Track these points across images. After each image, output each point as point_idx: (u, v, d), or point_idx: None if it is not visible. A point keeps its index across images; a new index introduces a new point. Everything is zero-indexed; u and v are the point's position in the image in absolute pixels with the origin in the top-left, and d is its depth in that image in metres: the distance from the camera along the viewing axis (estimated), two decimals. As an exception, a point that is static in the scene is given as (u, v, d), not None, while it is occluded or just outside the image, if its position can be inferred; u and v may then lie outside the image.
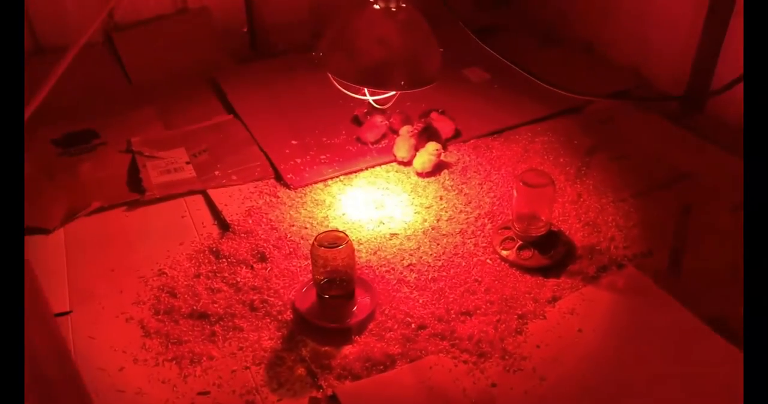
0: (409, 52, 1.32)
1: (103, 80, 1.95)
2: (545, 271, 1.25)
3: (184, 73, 2.02)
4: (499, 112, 1.88)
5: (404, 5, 1.40)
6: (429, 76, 1.37)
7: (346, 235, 1.14)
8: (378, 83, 1.35)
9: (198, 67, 2.04)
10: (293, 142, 1.78)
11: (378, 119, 1.76)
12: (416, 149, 1.70)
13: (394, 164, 1.71)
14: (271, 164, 1.70)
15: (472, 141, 1.80)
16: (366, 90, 1.44)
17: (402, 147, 1.70)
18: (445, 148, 1.73)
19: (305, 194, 1.50)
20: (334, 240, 1.14)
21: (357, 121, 1.82)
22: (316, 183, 1.53)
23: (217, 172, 1.68)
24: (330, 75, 1.37)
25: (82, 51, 1.06)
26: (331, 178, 1.55)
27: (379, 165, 1.70)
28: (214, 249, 1.33)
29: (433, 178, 1.55)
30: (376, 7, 1.39)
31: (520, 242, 1.28)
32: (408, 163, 1.70)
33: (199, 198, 1.52)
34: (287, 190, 1.50)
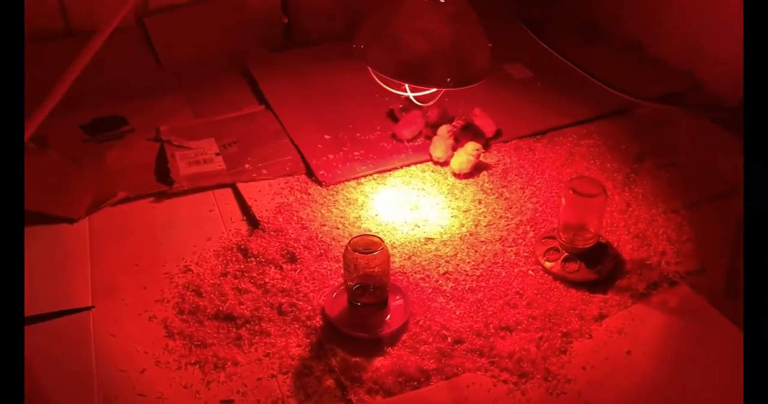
0: (457, 47, 1.30)
1: (134, 65, 1.92)
2: (592, 286, 1.20)
3: (215, 60, 1.98)
4: (543, 112, 1.81)
5: (453, -4, 1.37)
6: (477, 73, 1.34)
7: (382, 241, 1.11)
8: (421, 79, 1.32)
9: (230, 54, 2.00)
10: (326, 136, 1.74)
11: (415, 115, 1.71)
12: (454, 149, 1.65)
13: (430, 164, 1.66)
14: (303, 159, 1.66)
15: (513, 141, 1.74)
16: (407, 85, 1.42)
17: (439, 146, 1.64)
18: (485, 148, 1.68)
19: (337, 192, 1.47)
20: (370, 245, 1.10)
21: (393, 117, 1.77)
22: (348, 180, 1.53)
23: (247, 165, 1.64)
24: (370, 68, 1.43)
25: (113, 35, 1.01)
26: (365, 176, 1.60)
27: (415, 164, 1.66)
28: (242, 246, 1.30)
29: (471, 180, 1.58)
30: (423, -4, 1.39)
31: (566, 254, 1.24)
32: (445, 164, 1.65)
33: (228, 192, 1.56)
34: (319, 187, 1.47)
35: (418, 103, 1.57)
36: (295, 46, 2.11)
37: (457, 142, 1.66)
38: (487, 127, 1.72)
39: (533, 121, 1.79)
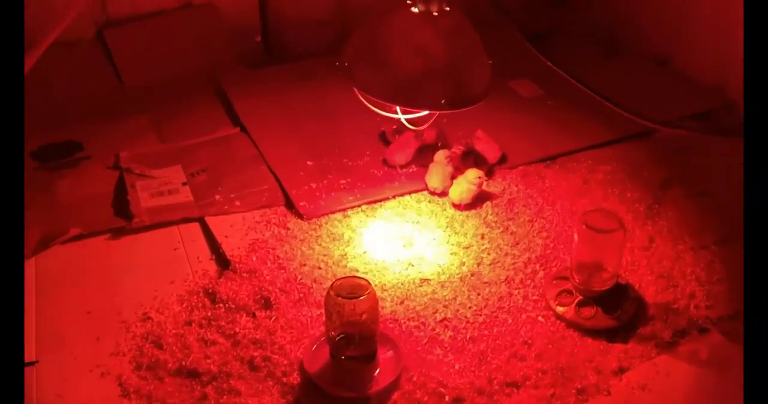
0: (453, 65, 1.33)
1: (91, 83, 1.93)
2: (610, 334, 1.20)
3: (184, 78, 2.01)
4: (554, 134, 1.84)
5: (448, 9, 1.39)
6: (475, 93, 1.37)
7: (369, 284, 1.11)
8: (414, 101, 1.35)
9: (201, 71, 2.03)
10: (308, 162, 1.76)
11: (408, 138, 1.74)
12: (454, 177, 1.67)
13: (426, 193, 1.68)
14: (282, 189, 1.68)
15: (520, 168, 1.76)
16: (398, 108, 1.45)
17: (436, 174, 1.66)
18: (488, 175, 1.71)
19: (320, 226, 1.49)
20: (356, 288, 1.10)
21: (384, 140, 1.80)
22: (333, 213, 1.51)
23: (217, 196, 1.66)
24: (356, 89, 1.46)
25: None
26: (352, 208, 1.54)
27: (409, 193, 1.65)
28: (210, 290, 1.31)
29: (473, 212, 1.54)
30: (415, 10, 1.40)
31: (580, 297, 1.25)
32: (443, 194, 1.67)
33: (196, 227, 1.51)
34: (299, 221, 1.49)
35: (410, 127, 1.52)
36: (275, 61, 2.14)
37: (457, 170, 1.68)
38: (491, 152, 1.74)
39: (543, 145, 1.81)
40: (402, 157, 1.73)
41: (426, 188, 1.67)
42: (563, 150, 1.78)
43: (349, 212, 1.62)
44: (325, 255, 1.42)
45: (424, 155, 1.74)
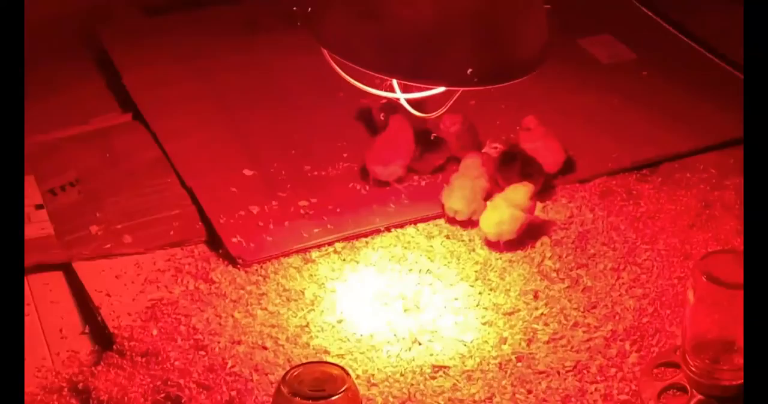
0: (486, 13, 1.36)
1: None
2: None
3: (44, 30, 2.01)
4: (653, 126, 1.84)
5: None
6: (522, 59, 1.41)
7: (347, 374, 1.15)
8: (422, 71, 1.38)
9: (73, 19, 2.05)
10: (246, 171, 1.76)
11: (404, 132, 1.73)
12: (488, 197, 1.66)
13: (443, 221, 1.67)
14: (202, 215, 1.67)
15: (598, 180, 1.76)
16: (395, 82, 1.47)
17: (459, 191, 1.66)
18: (545, 193, 1.71)
19: (266, 278, 1.52)
20: (323, 382, 1.14)
21: (370, 125, 1.81)
22: (288, 255, 1.58)
23: (94, 228, 1.66)
24: (325, 52, 1.46)
25: None
26: (319, 247, 1.60)
27: (414, 222, 1.67)
28: (80, 385, 1.33)
29: (520, 253, 1.56)
30: None
31: (700, 397, 1.26)
32: (470, 223, 1.66)
33: (58, 278, 1.58)
34: (230, 269, 1.53)
35: (416, 113, 1.55)
36: (191, 3, 2.15)
37: (497, 185, 1.68)
38: (549, 155, 1.74)
39: (635, 143, 1.80)
40: (393, 167, 1.73)
41: (443, 213, 1.66)
42: (669, 152, 1.77)
43: (315, 253, 1.60)
44: (273, 325, 1.43)
45: (435, 159, 1.76)
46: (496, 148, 1.68)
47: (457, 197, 1.63)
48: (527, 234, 1.61)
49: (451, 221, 1.63)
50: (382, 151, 1.70)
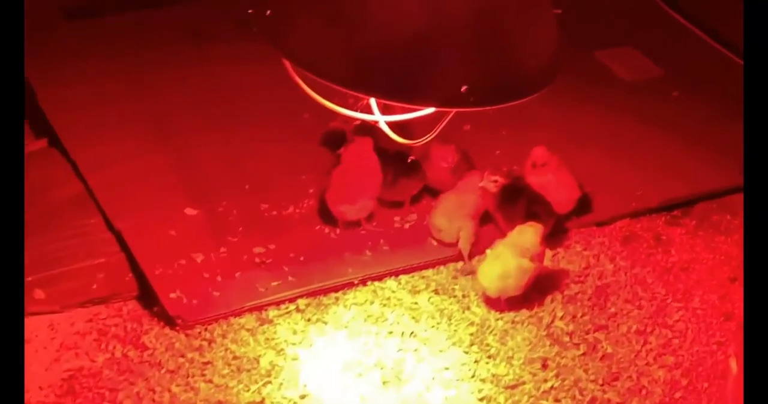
0: (485, 21, 1.30)
1: None
2: None
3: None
4: (684, 158, 1.74)
5: None
6: (529, 74, 1.36)
7: None
8: (406, 89, 1.30)
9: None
10: (188, 210, 1.63)
11: (367, 152, 1.61)
12: (477, 211, 1.58)
13: (429, 273, 1.55)
14: (133, 265, 1.54)
15: (619, 223, 1.65)
16: (372, 101, 1.43)
17: (442, 206, 1.58)
18: (555, 237, 1.61)
19: (212, 342, 1.44)
20: None
21: (335, 149, 1.67)
22: (239, 314, 1.48)
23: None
24: (288, 64, 1.37)
25: None
26: (277, 304, 1.50)
27: (393, 274, 1.55)
28: None
29: (525, 311, 1.51)
30: None
31: None
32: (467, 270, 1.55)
33: None
34: (168, 331, 1.46)
35: (398, 139, 1.48)
36: (123, 5, 2.04)
37: (497, 227, 1.59)
38: (561, 191, 1.64)
39: (664, 178, 1.72)
40: (362, 200, 1.62)
41: (431, 262, 1.56)
42: (705, 189, 1.68)
43: (273, 312, 1.49)
44: (220, 402, 1.36)
45: (412, 187, 1.67)
46: (495, 181, 1.59)
47: (439, 212, 1.60)
48: (534, 289, 1.53)
49: (437, 240, 1.59)
50: (344, 185, 1.62)
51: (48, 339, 1.44)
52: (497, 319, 1.48)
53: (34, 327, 1.46)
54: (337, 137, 1.68)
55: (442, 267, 1.56)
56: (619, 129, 1.77)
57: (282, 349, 1.43)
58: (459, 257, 1.56)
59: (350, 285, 1.53)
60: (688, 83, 1.83)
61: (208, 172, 1.68)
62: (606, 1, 1.93)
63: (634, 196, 1.65)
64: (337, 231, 1.60)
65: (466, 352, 1.44)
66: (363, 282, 1.53)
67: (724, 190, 1.67)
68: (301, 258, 1.55)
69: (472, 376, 1.41)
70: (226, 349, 1.42)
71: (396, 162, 1.62)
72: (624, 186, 1.67)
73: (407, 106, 1.37)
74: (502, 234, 1.53)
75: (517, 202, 1.57)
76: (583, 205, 1.63)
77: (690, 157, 1.72)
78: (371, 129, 1.59)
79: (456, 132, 1.62)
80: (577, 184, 1.62)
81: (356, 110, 1.45)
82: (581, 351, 1.44)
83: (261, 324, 1.46)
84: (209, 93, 1.82)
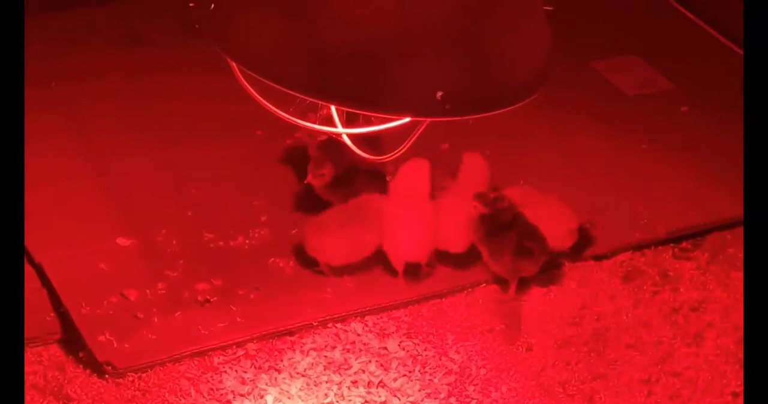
0: (465, 16, 1.24)
1: None
2: None
3: None
4: (695, 182, 1.72)
5: None
6: (516, 79, 1.31)
7: None
8: (372, 95, 1.23)
9: None
10: (120, 240, 1.60)
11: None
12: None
13: (400, 313, 1.48)
14: (55, 302, 1.49)
15: (620, 257, 1.59)
16: (333, 109, 1.40)
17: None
18: (549, 274, 1.55)
19: (147, 392, 1.40)
20: None
21: (300, 170, 1.62)
22: (178, 361, 1.43)
23: None
24: (235, 67, 1.34)
25: None
26: (224, 349, 1.45)
27: (357, 314, 1.49)
28: None
29: (510, 356, 1.46)
30: None
31: None
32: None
33: None
34: (95, 380, 1.40)
35: (362, 154, 1.44)
36: (58, 4, 2.01)
37: (482, 263, 1.53)
38: (556, 223, 1.59)
39: (671, 206, 1.70)
40: (337, 240, 1.54)
41: (402, 297, 1.49)
42: (718, 218, 1.63)
43: (218, 358, 1.44)
44: None
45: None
46: (482, 199, 1.52)
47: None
48: (522, 331, 1.48)
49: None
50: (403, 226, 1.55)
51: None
52: (479, 367, 1.44)
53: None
54: (298, 154, 1.66)
55: (415, 307, 1.51)
56: (620, 149, 1.74)
57: (228, 401, 1.39)
58: (435, 296, 1.52)
59: (308, 327, 1.49)
60: (699, 97, 1.82)
61: (144, 197, 1.66)
62: (605, 3, 1.90)
63: (638, 225, 1.63)
64: (291, 263, 1.56)
65: (451, 413, 1.51)
66: (323, 324, 1.49)
67: (739, 218, 1.61)
68: (252, 296, 1.52)
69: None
70: (164, 401, 1.38)
71: (367, 180, 1.59)
72: (626, 214, 1.64)
73: (373, 114, 1.31)
74: (488, 272, 1.50)
75: (506, 234, 1.53)
76: (580, 237, 1.60)
77: (701, 181, 1.70)
78: (336, 144, 1.55)
79: (433, 151, 1.59)
80: (572, 214, 1.60)
81: (314, 122, 1.42)
82: (575, 410, 1.50)
83: (204, 372, 1.42)
84: (144, 105, 1.80)
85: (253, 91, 1.36)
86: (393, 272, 1.57)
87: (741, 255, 1.64)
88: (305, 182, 1.58)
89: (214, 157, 1.70)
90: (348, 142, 1.46)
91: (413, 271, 1.57)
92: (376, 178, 1.63)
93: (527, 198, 1.61)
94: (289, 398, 1.41)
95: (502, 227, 1.55)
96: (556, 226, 1.58)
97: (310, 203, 1.65)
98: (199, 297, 1.51)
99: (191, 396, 1.38)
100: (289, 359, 1.45)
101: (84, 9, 1.91)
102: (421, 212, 1.58)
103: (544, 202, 1.61)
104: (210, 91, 1.63)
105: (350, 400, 1.39)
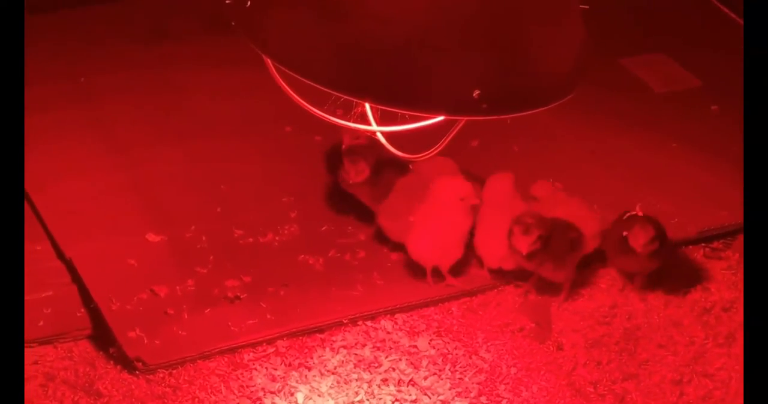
0: (501, 16, 1.25)
1: None
2: None
3: None
4: (725, 181, 1.69)
5: None
6: (550, 80, 1.32)
7: None
8: (406, 93, 1.25)
9: None
10: (150, 236, 1.60)
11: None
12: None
13: (430, 312, 1.49)
14: (86, 298, 1.51)
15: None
16: (368, 107, 1.40)
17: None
18: (578, 270, 1.54)
19: (177, 388, 1.40)
20: None
21: (334, 170, 1.64)
22: (209, 358, 1.43)
23: None
24: (270, 63, 1.34)
25: None
26: (254, 346, 1.46)
27: (387, 312, 1.50)
28: None
29: (541, 357, 1.46)
30: None
31: None
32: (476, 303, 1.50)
33: None
34: (126, 376, 1.41)
35: (397, 153, 1.44)
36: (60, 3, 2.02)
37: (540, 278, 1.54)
38: (580, 224, 1.58)
39: (702, 205, 1.70)
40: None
41: (433, 293, 1.50)
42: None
43: (248, 355, 1.45)
44: None
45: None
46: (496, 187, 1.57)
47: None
48: (553, 331, 1.50)
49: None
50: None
51: (-17, 384, 1.45)
52: (510, 366, 1.44)
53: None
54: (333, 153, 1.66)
55: (445, 305, 1.52)
56: (648, 148, 1.73)
57: (258, 398, 1.40)
58: (465, 292, 1.53)
59: (338, 325, 1.49)
60: (729, 95, 1.79)
61: (173, 193, 1.66)
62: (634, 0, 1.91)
63: (669, 224, 1.61)
64: (321, 260, 1.57)
65: (486, 411, 1.50)
66: (353, 321, 1.50)
67: (771, 218, 1.64)
68: (281, 293, 1.52)
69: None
70: (194, 398, 1.39)
71: (392, 173, 1.60)
72: (656, 213, 1.61)
73: (408, 112, 1.31)
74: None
75: (526, 232, 1.49)
76: (659, 239, 1.56)
77: (732, 180, 1.67)
78: (369, 147, 1.57)
79: (463, 148, 1.59)
80: (595, 217, 1.59)
81: (349, 120, 1.41)
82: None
83: (234, 369, 1.43)
84: (172, 99, 1.79)
85: (288, 89, 1.36)
86: (422, 272, 1.57)
87: (772, 255, 1.65)
88: (351, 181, 1.57)
89: (243, 152, 1.70)
90: (382, 139, 1.45)
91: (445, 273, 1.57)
92: (400, 169, 1.61)
93: (554, 198, 1.59)
94: (319, 395, 1.41)
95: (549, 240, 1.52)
96: (580, 224, 1.55)
97: (339, 199, 1.65)
98: (229, 294, 1.51)
99: (221, 392, 1.39)
100: (319, 356, 1.45)
101: (110, 4, 1.91)
102: (506, 220, 1.54)
103: (569, 203, 1.58)
104: (238, 85, 1.64)
105: (381, 398, 1.40)
